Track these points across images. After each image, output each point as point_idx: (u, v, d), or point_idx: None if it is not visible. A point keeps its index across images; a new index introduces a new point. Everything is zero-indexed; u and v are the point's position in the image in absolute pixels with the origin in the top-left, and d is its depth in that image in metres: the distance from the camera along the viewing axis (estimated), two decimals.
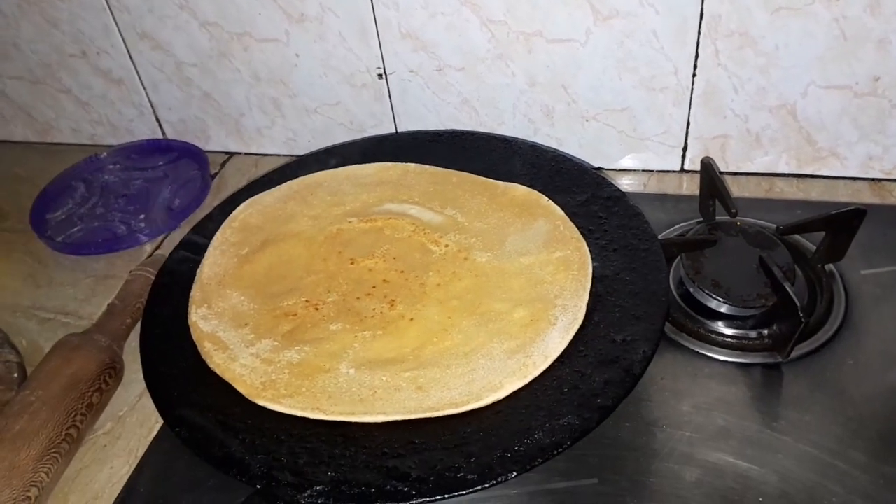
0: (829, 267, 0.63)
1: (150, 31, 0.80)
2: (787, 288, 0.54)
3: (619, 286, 0.54)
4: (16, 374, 0.62)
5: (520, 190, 0.64)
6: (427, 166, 0.68)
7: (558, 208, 0.61)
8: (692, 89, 0.70)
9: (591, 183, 0.63)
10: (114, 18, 0.80)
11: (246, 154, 0.89)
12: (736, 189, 0.74)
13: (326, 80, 0.79)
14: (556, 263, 0.57)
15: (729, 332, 0.59)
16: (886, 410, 0.53)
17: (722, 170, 0.75)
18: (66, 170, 0.87)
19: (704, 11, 0.65)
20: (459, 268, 0.59)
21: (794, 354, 0.57)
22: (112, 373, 0.61)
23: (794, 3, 0.63)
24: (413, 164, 0.69)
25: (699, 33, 0.66)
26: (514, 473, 0.43)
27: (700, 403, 0.55)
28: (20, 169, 0.91)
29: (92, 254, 0.77)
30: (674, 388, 0.56)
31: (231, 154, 0.90)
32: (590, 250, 0.58)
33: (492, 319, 0.54)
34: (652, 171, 0.77)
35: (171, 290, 0.59)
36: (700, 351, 0.58)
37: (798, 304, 0.53)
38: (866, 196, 0.71)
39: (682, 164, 0.76)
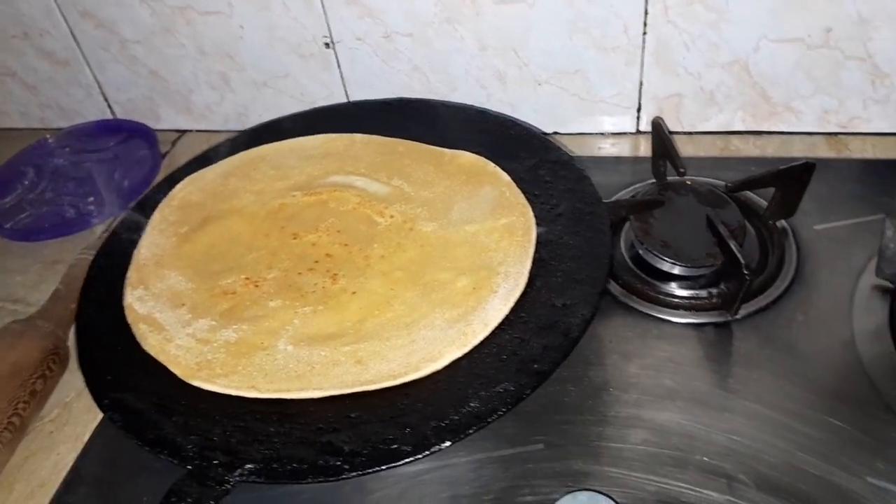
0: (782, 223, 0.62)
1: (91, 9, 0.78)
2: (733, 246, 0.53)
3: (562, 250, 0.53)
4: None
5: (467, 157, 0.63)
6: (374, 136, 0.67)
7: (505, 174, 0.60)
8: (643, 48, 0.69)
9: (539, 147, 0.62)
10: None
11: (197, 131, 0.87)
12: (692, 148, 0.73)
13: (274, 52, 0.77)
14: (501, 230, 0.56)
15: (679, 292, 0.58)
16: (836, 365, 0.53)
17: (677, 130, 0.74)
18: (15, 155, 0.85)
19: None
20: (405, 239, 0.58)
21: (744, 312, 0.57)
22: (56, 359, 0.60)
23: None
24: (359, 135, 0.67)
25: None
26: (448, 443, 0.42)
27: (649, 365, 0.55)
28: None
29: (41, 239, 0.75)
30: (623, 350, 0.56)
31: (182, 132, 0.88)
32: (535, 215, 0.56)
33: (435, 289, 0.53)
34: (607, 133, 0.76)
35: (108, 273, 0.58)
36: (650, 312, 0.58)
37: (742, 261, 0.52)
38: (822, 150, 0.70)
39: (638, 125, 0.75)
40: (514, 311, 0.50)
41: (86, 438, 0.57)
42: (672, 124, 0.74)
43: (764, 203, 0.63)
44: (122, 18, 0.78)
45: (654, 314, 0.58)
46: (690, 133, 0.74)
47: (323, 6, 0.72)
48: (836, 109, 0.69)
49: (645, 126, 0.74)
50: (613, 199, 0.64)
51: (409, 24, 0.71)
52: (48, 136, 0.87)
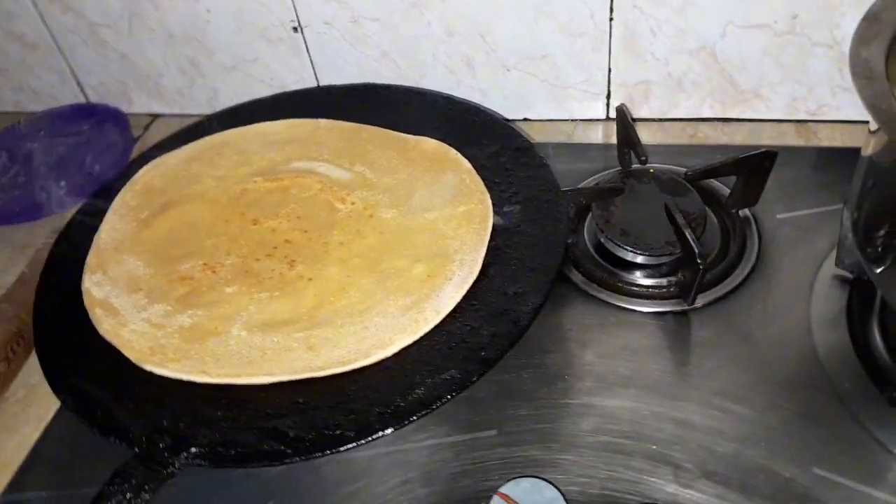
0: (745, 212, 0.62)
1: None
2: (688, 235, 0.53)
3: (518, 238, 0.53)
4: None
5: (430, 143, 0.63)
6: (338, 122, 0.67)
7: (466, 161, 0.60)
8: (610, 34, 0.68)
9: (502, 134, 0.62)
10: None
11: (170, 116, 0.87)
12: (661, 136, 0.73)
13: (242, 36, 0.77)
14: (460, 218, 0.56)
15: (638, 280, 0.59)
16: (791, 354, 0.53)
17: (646, 116, 0.74)
18: None
19: None
20: (364, 225, 0.58)
21: (703, 301, 0.57)
22: (20, 341, 0.60)
23: None
24: (324, 120, 0.67)
25: None
26: (391, 429, 0.42)
27: (605, 353, 0.55)
28: None
29: (12, 223, 0.75)
30: (581, 338, 0.56)
31: (155, 116, 0.88)
32: (494, 203, 0.56)
33: (391, 276, 0.53)
34: (578, 120, 0.75)
35: (68, 257, 0.58)
36: (610, 301, 0.58)
37: (696, 250, 0.52)
38: (791, 138, 0.70)
39: (608, 112, 0.74)
40: (466, 298, 0.50)
41: (48, 420, 0.57)
42: (641, 111, 0.74)
43: (727, 191, 0.63)
44: (90, 2, 0.77)
45: (614, 302, 0.58)
46: (660, 120, 0.74)
47: None
48: (804, 97, 0.69)
49: (614, 113, 0.74)
50: (578, 186, 0.64)
51: (375, 9, 0.71)
52: (21, 119, 0.87)
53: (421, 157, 0.62)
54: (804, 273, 0.58)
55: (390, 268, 0.54)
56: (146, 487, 0.42)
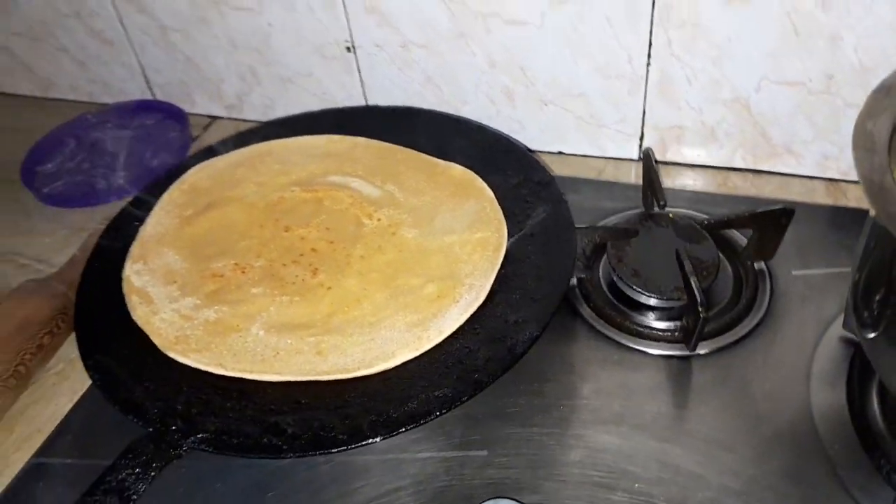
0: (761, 265, 0.63)
1: None
2: (693, 282, 0.54)
3: (527, 269, 0.56)
4: None
5: (457, 170, 0.66)
6: (375, 141, 0.70)
7: (489, 190, 0.63)
8: (647, 78, 0.70)
9: (526, 166, 0.64)
10: None
11: (228, 119, 0.92)
12: (690, 181, 0.74)
13: (299, 51, 0.81)
14: (475, 243, 0.59)
15: (645, 322, 0.60)
16: (786, 410, 0.54)
17: (678, 161, 0.75)
18: (60, 125, 0.92)
19: (656, 0, 0.65)
20: (386, 242, 0.61)
21: (708, 349, 0.58)
22: (64, 318, 0.65)
23: None
24: (362, 139, 0.71)
25: (651, 21, 0.66)
26: (380, 438, 0.45)
27: (603, 388, 0.56)
28: (20, 121, 0.96)
29: (71, 206, 0.81)
30: (582, 371, 0.58)
31: (214, 118, 0.93)
32: (510, 233, 0.59)
33: (403, 293, 0.56)
34: (609, 158, 0.77)
35: (114, 245, 0.62)
36: (616, 338, 0.60)
37: (699, 298, 0.53)
38: (820, 196, 0.70)
39: (639, 153, 0.76)
40: (469, 321, 0.53)
41: (81, 393, 0.62)
42: (673, 155, 0.75)
43: (746, 242, 0.64)
44: (163, 6, 0.83)
45: (619, 340, 0.59)
46: (691, 166, 0.75)
47: (346, 11, 0.76)
48: (836, 156, 0.69)
49: None
50: (594, 224, 0.66)
51: (423, 36, 0.74)
52: (92, 110, 0.93)
53: (448, 181, 0.65)
54: (811, 331, 0.58)
55: (404, 285, 0.57)
56: (154, 465, 0.45)
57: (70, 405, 0.61)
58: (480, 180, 0.64)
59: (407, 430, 0.46)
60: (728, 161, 0.73)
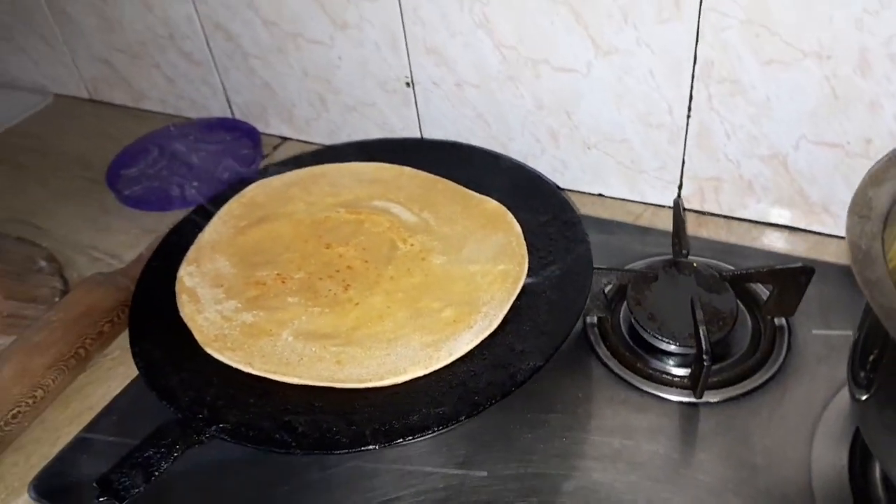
0: (781, 321, 0.64)
1: (224, 24, 0.92)
2: (700, 330, 0.56)
3: (541, 303, 0.59)
4: (56, 299, 0.75)
5: (491, 204, 0.69)
6: (420, 171, 0.75)
7: (517, 225, 0.66)
8: (686, 129, 0.72)
9: (556, 206, 0.67)
10: (195, 9, 0.92)
11: (297, 140, 0.99)
12: (724, 233, 0.75)
13: (364, 83, 0.87)
14: (496, 275, 0.62)
15: (657, 365, 0.62)
16: (785, 469, 0.54)
17: (715, 212, 0.76)
18: (147, 135, 1.01)
19: (698, 56, 0.67)
20: (415, 266, 0.65)
21: (717, 398, 0.59)
22: (125, 310, 0.72)
23: (784, 56, 0.64)
24: (408, 168, 0.75)
25: (693, 76, 0.68)
26: (378, 446, 0.49)
27: (606, 425, 0.58)
28: (114, 129, 1.06)
29: (146, 209, 0.89)
30: (588, 406, 0.60)
31: (284, 139, 1.00)
32: (531, 268, 0.62)
33: (423, 314, 0.60)
34: (648, 203, 0.79)
35: (174, 247, 0.69)
36: (627, 378, 0.61)
37: (703, 346, 0.55)
38: None
39: (680, 201, 0.77)
40: (479, 347, 0.56)
41: (131, 378, 0.68)
42: (711, 206, 0.76)
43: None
44: (247, 35, 0.91)
45: (631, 381, 0.61)
46: (728, 217, 0.76)
47: (407, 51, 0.81)
48: None
49: (685, 203, 0.77)
50: (626, 267, 0.68)
51: (477, 77, 0.79)
52: (175, 123, 1.02)
53: (481, 214, 0.69)
54: (822, 391, 0.58)
55: (425, 307, 0.61)
56: (177, 447, 0.51)
57: (120, 388, 0.67)
58: (511, 215, 0.67)
59: (405, 442, 0.49)
60: (764, 216, 0.74)
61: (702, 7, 0.64)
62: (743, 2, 0.63)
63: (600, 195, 0.82)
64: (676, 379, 0.60)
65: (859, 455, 0.54)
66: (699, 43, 0.66)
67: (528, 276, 0.61)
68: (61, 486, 0.59)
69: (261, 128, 1.01)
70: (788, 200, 0.72)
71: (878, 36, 0.60)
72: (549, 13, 0.71)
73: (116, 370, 0.70)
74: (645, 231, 0.76)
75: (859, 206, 0.43)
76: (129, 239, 0.86)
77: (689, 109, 0.71)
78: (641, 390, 0.60)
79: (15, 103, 1.15)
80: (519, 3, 0.71)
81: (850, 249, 0.40)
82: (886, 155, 0.47)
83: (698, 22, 0.65)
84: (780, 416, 0.57)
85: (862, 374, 0.47)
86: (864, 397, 0.46)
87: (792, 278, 0.61)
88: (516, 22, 0.73)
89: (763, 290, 0.66)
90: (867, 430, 0.46)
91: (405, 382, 0.54)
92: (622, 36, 0.69)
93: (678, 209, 0.67)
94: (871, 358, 0.46)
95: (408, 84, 0.84)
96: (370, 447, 0.49)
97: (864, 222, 0.42)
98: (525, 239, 0.65)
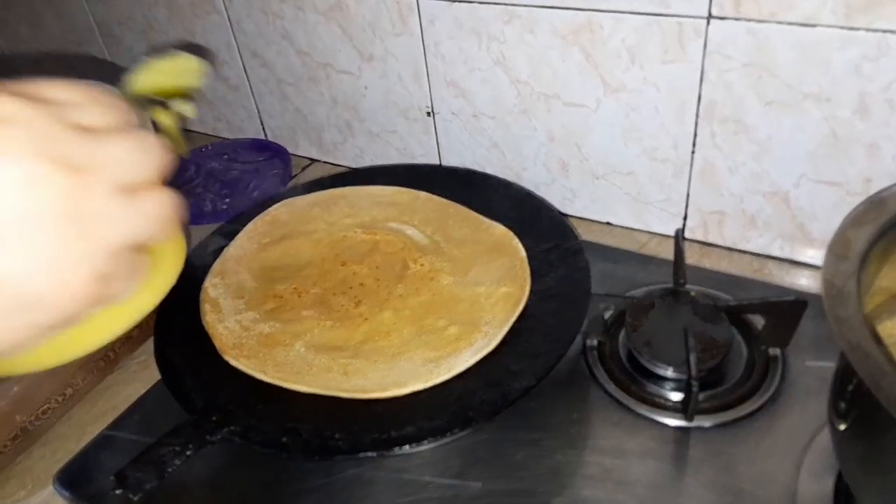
0: (776, 351, 0.65)
1: (260, 52, 0.98)
2: (690, 357, 0.58)
3: (539, 326, 0.62)
4: None
5: (499, 229, 0.73)
6: (435, 196, 0.79)
7: (522, 250, 0.69)
8: (691, 164, 0.75)
9: (561, 233, 0.70)
10: (234, 38, 0.98)
11: (324, 163, 1.04)
12: (727, 264, 0.77)
13: (387, 111, 0.92)
14: (499, 296, 0.65)
15: (652, 389, 0.64)
16: (768, 495, 0.56)
17: (719, 243, 0.79)
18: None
19: (702, 96, 0.70)
20: (424, 285, 0.69)
21: (710, 423, 0.61)
22: (153, 316, 0.77)
23: (785, 98, 0.66)
24: (424, 193, 0.79)
25: (697, 115, 0.71)
26: (374, 453, 0.52)
27: (598, 445, 0.61)
28: None
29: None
30: (582, 427, 0.62)
31: (313, 160, 1.05)
32: (533, 291, 0.65)
33: (428, 331, 0.64)
34: (654, 233, 0.82)
35: (202, 260, 0.74)
36: (623, 401, 0.63)
37: (692, 371, 0.57)
38: None
39: (683, 232, 0.80)
40: (477, 365, 0.59)
41: (154, 381, 0.72)
42: (714, 238, 0.79)
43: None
44: (281, 64, 0.97)
45: (626, 403, 0.63)
46: (731, 249, 0.78)
47: (429, 83, 0.86)
48: None
49: (689, 234, 0.80)
50: (627, 293, 0.71)
51: (493, 109, 0.83)
52: (212, 143, 1.08)
53: (489, 238, 0.72)
54: (811, 423, 0.60)
55: (431, 325, 0.64)
56: (190, 446, 0.54)
57: (144, 390, 0.72)
58: (517, 240, 0.71)
59: (400, 451, 0.52)
60: (766, 249, 0.76)
61: (706, 50, 0.67)
62: (745, 45, 0.66)
63: (608, 223, 0.85)
64: (669, 403, 0.62)
65: (844, 489, 0.55)
66: (703, 83, 0.69)
67: (529, 299, 0.64)
68: (83, 480, 0.63)
69: (291, 149, 1.06)
70: (790, 235, 0.74)
71: (877, 82, 0.62)
72: (562, 52, 0.74)
73: (143, 373, 0.75)
74: (648, 260, 0.78)
75: (838, 246, 0.46)
76: None
77: (694, 146, 0.73)
78: (635, 413, 0.63)
79: None
80: (533, 41, 0.75)
81: (824, 287, 0.43)
82: (868, 198, 0.49)
83: (702, 64, 0.68)
84: (769, 444, 0.59)
85: (842, 405, 0.49)
86: (842, 427, 0.48)
87: (785, 310, 0.63)
88: (530, 60, 0.76)
89: (760, 321, 0.68)
90: (843, 461, 0.47)
91: (405, 395, 0.58)
92: (629, 74, 0.72)
93: (678, 239, 0.69)
94: (850, 388, 0.47)
95: (429, 114, 0.89)
96: (367, 454, 0.52)
97: (840, 262, 0.45)
98: (529, 263, 0.68)
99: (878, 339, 0.41)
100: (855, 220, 0.48)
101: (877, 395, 0.34)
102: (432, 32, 0.81)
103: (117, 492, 0.52)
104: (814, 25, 0.62)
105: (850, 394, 0.47)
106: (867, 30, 0.60)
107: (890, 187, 0.50)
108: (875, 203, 0.49)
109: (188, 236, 0.75)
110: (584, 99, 0.76)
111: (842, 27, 0.61)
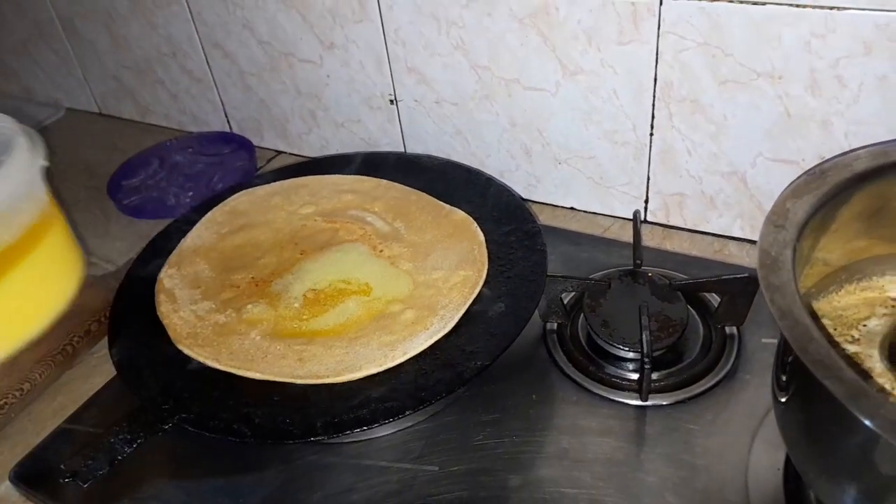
0: (732, 329, 0.66)
1: (221, 43, 0.97)
2: (644, 335, 0.58)
3: (494, 307, 0.62)
4: None
5: (459, 215, 0.73)
6: (396, 184, 0.78)
7: (481, 235, 0.69)
8: (650, 147, 0.75)
9: (520, 217, 0.70)
10: (196, 29, 0.97)
11: (289, 154, 1.04)
12: (688, 245, 0.77)
13: (350, 100, 0.92)
14: (457, 280, 0.65)
15: (609, 370, 0.64)
16: (722, 471, 0.56)
17: (680, 225, 0.79)
18: (149, 147, 1.06)
19: (658, 76, 0.70)
20: None
21: (667, 401, 0.61)
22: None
23: (739, 76, 0.67)
24: (385, 180, 0.79)
25: (654, 96, 0.71)
26: (325, 437, 0.52)
27: (556, 425, 0.61)
28: (120, 141, 1.11)
29: (143, 217, 0.94)
30: (540, 408, 0.62)
31: (279, 152, 1.05)
32: (489, 274, 0.65)
33: (386, 317, 0.63)
34: (617, 217, 0.82)
35: (159, 251, 0.73)
36: (581, 382, 0.64)
37: (644, 349, 0.57)
38: None
39: (645, 215, 0.80)
40: (432, 347, 0.59)
41: (113, 375, 0.72)
42: (676, 220, 0.79)
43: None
44: (243, 54, 0.96)
45: (584, 384, 0.63)
46: (692, 231, 0.79)
47: (391, 70, 0.85)
48: None
49: (651, 217, 0.80)
50: (592, 275, 0.71)
51: (455, 95, 0.83)
52: (178, 136, 1.07)
53: (449, 224, 0.72)
54: (765, 398, 0.60)
55: (388, 310, 0.64)
56: (141, 434, 0.54)
57: (102, 383, 0.71)
58: (476, 225, 0.70)
59: (352, 433, 0.52)
60: (727, 230, 0.76)
61: (660, 30, 0.68)
62: (699, 24, 0.66)
63: (572, 208, 0.85)
64: (627, 383, 0.63)
65: None
66: (659, 64, 0.69)
67: (486, 282, 0.64)
68: (40, 473, 0.62)
69: (256, 141, 1.05)
70: (749, 215, 0.74)
71: (826, 58, 0.63)
72: (520, 35, 0.74)
73: (102, 367, 0.74)
74: (610, 243, 0.79)
75: (776, 216, 0.46)
76: (125, 245, 0.90)
77: (652, 127, 0.74)
78: (593, 393, 0.63)
79: (29, 115, 1.21)
80: (491, 25, 0.75)
81: (760, 256, 0.43)
82: (808, 170, 0.50)
83: (657, 44, 0.68)
84: (724, 420, 0.59)
85: (783, 378, 0.49)
86: (783, 399, 0.48)
87: (739, 288, 0.63)
88: (489, 44, 0.76)
89: (716, 300, 0.68)
90: (785, 432, 0.48)
91: (360, 379, 0.57)
92: (587, 57, 0.72)
93: (636, 221, 0.70)
94: (789, 360, 0.48)
95: (391, 101, 0.88)
96: (319, 437, 0.52)
97: (778, 231, 0.45)
98: (487, 247, 0.68)
99: (813, 315, 0.41)
100: (795, 191, 0.48)
101: (803, 359, 0.34)
102: (391, 18, 0.81)
103: (66, 480, 0.51)
104: (763, 3, 0.62)
105: (789, 365, 0.48)
106: (814, 7, 0.60)
107: (831, 159, 0.51)
108: (815, 175, 0.49)
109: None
110: (544, 83, 0.76)
111: (790, 4, 0.61)
